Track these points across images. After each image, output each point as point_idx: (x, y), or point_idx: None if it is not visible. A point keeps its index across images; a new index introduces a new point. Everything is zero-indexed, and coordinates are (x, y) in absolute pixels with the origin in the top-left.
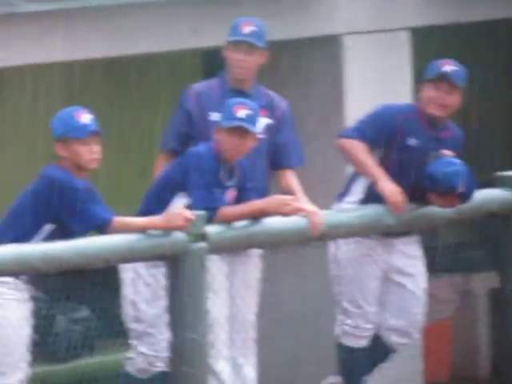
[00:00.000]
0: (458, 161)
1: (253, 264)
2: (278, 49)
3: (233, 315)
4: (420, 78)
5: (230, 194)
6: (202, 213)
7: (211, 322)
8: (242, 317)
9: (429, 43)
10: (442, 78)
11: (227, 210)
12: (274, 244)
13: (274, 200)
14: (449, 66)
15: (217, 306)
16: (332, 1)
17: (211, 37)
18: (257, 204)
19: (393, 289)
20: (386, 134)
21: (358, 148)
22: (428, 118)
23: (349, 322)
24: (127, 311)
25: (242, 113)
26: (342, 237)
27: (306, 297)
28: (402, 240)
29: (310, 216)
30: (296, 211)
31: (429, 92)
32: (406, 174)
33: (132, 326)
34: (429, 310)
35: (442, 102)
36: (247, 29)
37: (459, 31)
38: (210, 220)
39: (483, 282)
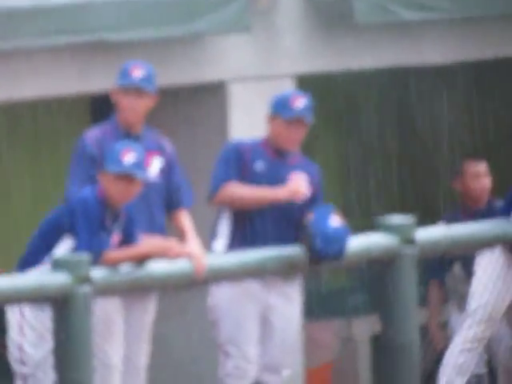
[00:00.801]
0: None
1: (149, 308)
2: (164, 95)
3: (127, 358)
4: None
5: (115, 237)
6: (86, 256)
7: (108, 364)
8: (135, 360)
9: (315, 90)
10: (296, 117)
11: (112, 254)
12: (158, 288)
13: (158, 244)
14: (301, 102)
15: (113, 348)
16: (218, 48)
17: (98, 81)
18: (141, 248)
19: (266, 328)
20: (238, 165)
21: (235, 188)
22: (276, 149)
23: (230, 363)
24: (13, 353)
25: (128, 158)
26: (225, 280)
27: (190, 340)
28: (284, 281)
29: (194, 260)
30: (180, 255)
31: (280, 128)
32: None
33: (17, 368)
34: (311, 354)
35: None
36: (137, 73)
37: (348, 78)
38: (95, 263)
39: (365, 327)
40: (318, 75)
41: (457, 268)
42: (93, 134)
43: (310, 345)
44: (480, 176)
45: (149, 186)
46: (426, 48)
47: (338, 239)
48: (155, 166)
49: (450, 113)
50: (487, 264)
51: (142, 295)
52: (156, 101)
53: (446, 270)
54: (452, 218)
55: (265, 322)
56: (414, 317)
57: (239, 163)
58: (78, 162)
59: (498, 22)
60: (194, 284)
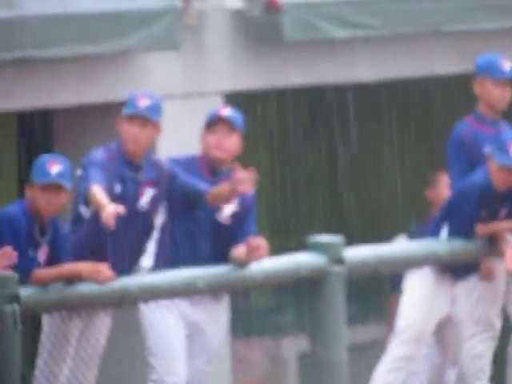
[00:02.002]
0: None
1: (103, 330)
2: (94, 111)
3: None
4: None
5: (43, 251)
6: (14, 275)
7: None
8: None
9: (245, 108)
10: (219, 122)
11: (41, 272)
12: (88, 307)
13: (87, 266)
14: (225, 110)
15: (62, 370)
16: (146, 64)
17: (26, 98)
18: (71, 267)
19: (192, 345)
20: None
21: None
22: (210, 165)
23: (154, 376)
24: None
25: (54, 169)
26: (155, 299)
27: (121, 358)
28: (211, 299)
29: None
30: (108, 279)
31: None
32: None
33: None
34: (239, 372)
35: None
36: (143, 102)
37: (276, 96)
38: (23, 282)
39: (293, 345)
40: (246, 92)
41: None
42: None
43: (239, 363)
44: None
45: (138, 214)
46: (356, 65)
47: None
48: (147, 196)
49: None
50: (416, 283)
51: (96, 315)
52: (160, 131)
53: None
54: (417, 231)
55: (191, 339)
56: (342, 335)
57: None
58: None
59: (427, 39)
60: (124, 303)
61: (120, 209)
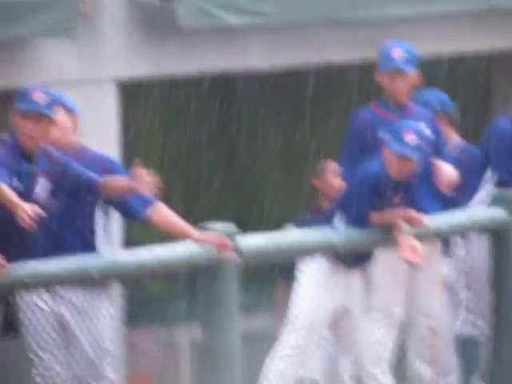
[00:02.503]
0: None
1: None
2: None
3: None
4: None
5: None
6: None
7: None
8: None
9: (141, 95)
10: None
11: None
12: None
13: None
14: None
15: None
16: (39, 51)
17: None
18: None
19: (68, 339)
20: None
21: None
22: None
23: (34, 371)
24: None
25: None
26: (47, 287)
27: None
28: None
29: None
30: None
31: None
32: None
33: None
34: (131, 361)
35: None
36: (38, 97)
37: (172, 83)
38: None
39: (186, 334)
40: (141, 79)
41: None
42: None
43: (131, 352)
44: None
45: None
46: (251, 54)
47: None
48: (41, 187)
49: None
50: (310, 271)
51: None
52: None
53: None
54: (303, 221)
55: (65, 332)
56: (234, 325)
57: None
58: None
59: (323, 27)
60: (15, 291)
61: (37, 209)
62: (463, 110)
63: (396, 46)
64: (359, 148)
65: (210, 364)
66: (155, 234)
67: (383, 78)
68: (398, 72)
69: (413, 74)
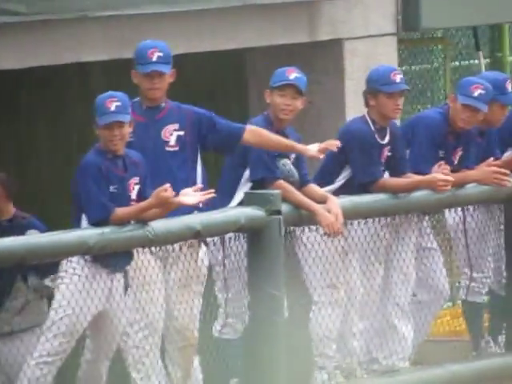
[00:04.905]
0: None
1: None
2: None
3: None
4: None
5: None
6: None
7: None
8: None
9: None
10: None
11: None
12: None
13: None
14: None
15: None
16: None
17: None
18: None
19: None
20: None
21: None
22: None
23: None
24: None
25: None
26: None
27: None
28: None
29: None
30: None
31: None
32: None
33: None
34: None
35: None
36: None
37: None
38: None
39: None
40: None
41: None
42: None
43: None
44: None
45: None
46: (1, 52)
47: None
48: None
49: None
50: (68, 274)
51: None
52: None
53: None
54: None
55: None
56: None
57: None
58: None
59: (72, 25)
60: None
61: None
62: (222, 108)
63: (152, 47)
64: None
65: None
66: None
67: (140, 79)
68: (157, 73)
69: (169, 73)
